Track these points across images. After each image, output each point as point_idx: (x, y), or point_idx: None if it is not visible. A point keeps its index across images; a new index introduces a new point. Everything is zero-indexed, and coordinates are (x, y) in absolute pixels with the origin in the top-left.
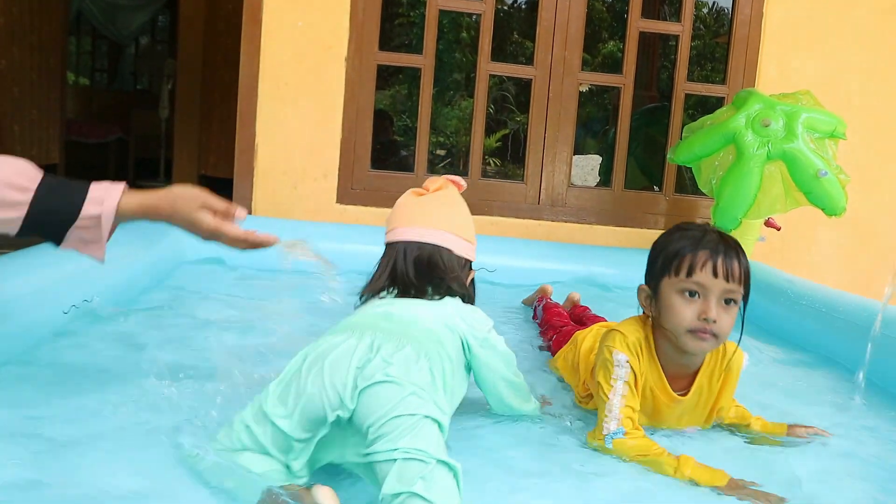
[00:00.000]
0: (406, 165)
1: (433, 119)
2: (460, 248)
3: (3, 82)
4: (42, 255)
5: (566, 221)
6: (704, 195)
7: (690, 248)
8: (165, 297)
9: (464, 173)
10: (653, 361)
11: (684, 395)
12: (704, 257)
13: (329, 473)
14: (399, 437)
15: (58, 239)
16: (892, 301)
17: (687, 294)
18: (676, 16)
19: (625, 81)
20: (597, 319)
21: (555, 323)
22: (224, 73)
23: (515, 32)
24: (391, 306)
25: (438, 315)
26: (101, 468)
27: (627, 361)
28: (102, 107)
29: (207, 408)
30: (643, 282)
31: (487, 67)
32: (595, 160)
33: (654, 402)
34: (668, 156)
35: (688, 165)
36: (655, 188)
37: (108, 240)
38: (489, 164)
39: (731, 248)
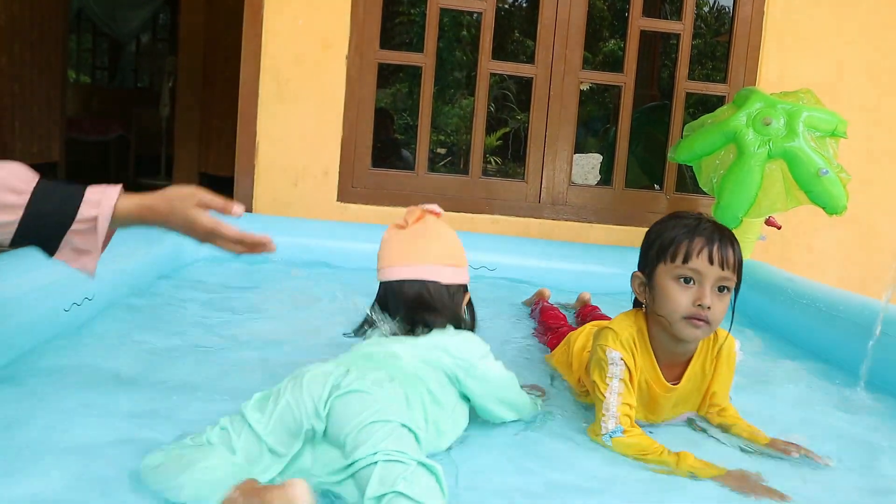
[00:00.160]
0: (407, 164)
1: (434, 117)
2: (448, 277)
3: (3, 80)
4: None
5: (567, 220)
6: (705, 194)
7: (686, 236)
8: (165, 296)
9: (464, 172)
10: (647, 354)
11: (677, 384)
12: (700, 244)
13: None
14: (378, 442)
15: (53, 245)
16: (892, 300)
17: (682, 281)
18: (677, 14)
19: (625, 80)
20: (606, 317)
21: (551, 325)
22: (225, 71)
23: (516, 31)
24: (374, 346)
25: (419, 353)
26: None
27: (622, 359)
28: (103, 104)
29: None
30: (636, 269)
31: (488, 66)
32: (596, 159)
33: (650, 393)
34: (668, 154)
35: (688, 164)
36: (656, 187)
37: (102, 249)
38: (490, 162)
39: (726, 237)
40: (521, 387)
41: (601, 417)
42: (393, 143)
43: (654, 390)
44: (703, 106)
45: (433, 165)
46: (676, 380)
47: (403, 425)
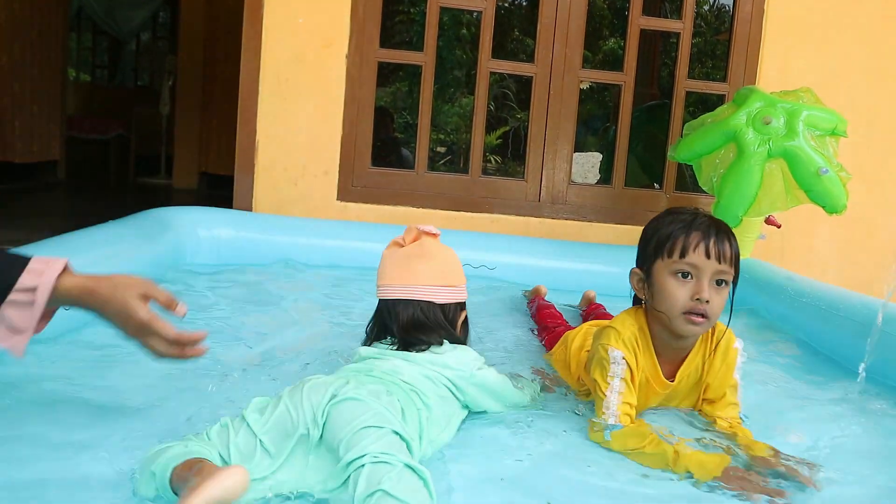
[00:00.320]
0: (407, 163)
1: (434, 116)
2: (444, 297)
3: (3, 78)
4: (43, 252)
5: (567, 219)
6: (705, 193)
7: (683, 231)
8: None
9: (464, 171)
10: (649, 352)
11: (675, 380)
12: (697, 239)
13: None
14: (368, 445)
15: None
16: (892, 298)
17: (680, 276)
18: (677, 13)
19: (625, 79)
20: (609, 317)
21: (548, 324)
22: (225, 70)
23: (516, 29)
24: (377, 362)
25: (420, 369)
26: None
27: (623, 358)
28: (103, 103)
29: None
30: (634, 266)
31: (488, 65)
32: (596, 157)
33: (648, 390)
34: (668, 153)
35: (688, 163)
36: (656, 186)
37: (38, 330)
38: (490, 161)
39: (722, 231)
40: (531, 370)
41: (601, 416)
42: (393, 142)
43: (652, 387)
44: (702, 105)
45: (433, 164)
46: (673, 376)
47: (396, 433)
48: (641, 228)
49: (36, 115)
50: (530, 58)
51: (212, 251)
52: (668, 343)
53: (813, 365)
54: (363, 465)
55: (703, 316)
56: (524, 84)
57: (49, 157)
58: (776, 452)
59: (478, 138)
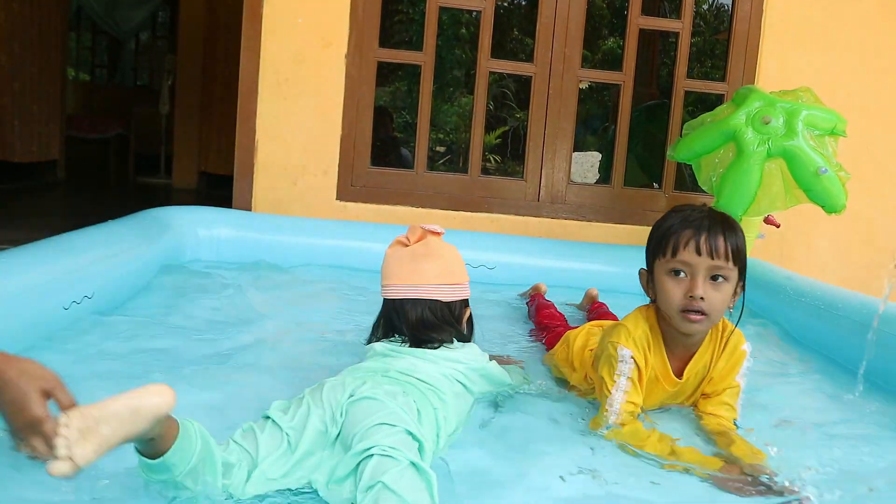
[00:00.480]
0: (406, 162)
1: (433, 116)
2: (449, 294)
3: (3, 78)
4: (43, 251)
5: (566, 218)
6: (704, 192)
7: (676, 228)
8: (164, 294)
9: (463, 170)
10: (659, 349)
11: (683, 377)
12: (688, 236)
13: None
14: (380, 439)
15: None
16: (891, 298)
17: (674, 274)
18: (676, 13)
19: (624, 78)
20: (612, 316)
21: (547, 324)
22: (224, 70)
23: (515, 29)
24: (393, 362)
25: (436, 366)
26: None
27: (632, 357)
28: (103, 103)
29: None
30: (644, 266)
31: (487, 64)
32: (595, 157)
33: (657, 387)
34: (667, 153)
35: (688, 163)
36: (655, 185)
37: None
38: (489, 160)
39: (717, 225)
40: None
41: (604, 412)
42: (392, 142)
43: (661, 384)
44: (702, 104)
45: (432, 164)
46: (682, 373)
47: (409, 432)
48: (641, 228)
49: (35, 114)
50: (529, 57)
51: (211, 250)
52: (678, 340)
53: (811, 364)
54: (371, 456)
55: (700, 313)
56: (523, 84)
57: (48, 156)
58: (751, 465)
59: (477, 138)
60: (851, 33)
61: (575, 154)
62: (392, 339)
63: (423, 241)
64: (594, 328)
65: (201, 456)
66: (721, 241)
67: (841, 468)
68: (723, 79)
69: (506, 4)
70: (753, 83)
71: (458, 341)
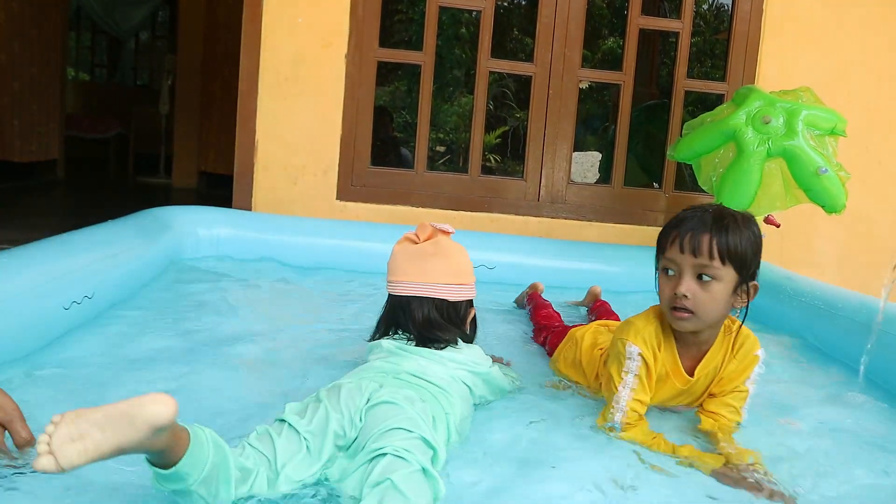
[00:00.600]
0: (406, 162)
1: (433, 115)
2: (457, 294)
3: (3, 77)
4: (43, 251)
5: (566, 218)
6: (704, 192)
7: (669, 226)
8: (164, 294)
9: (463, 170)
10: (670, 347)
11: (694, 376)
12: (674, 234)
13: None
14: (395, 441)
15: None
16: (891, 298)
17: (666, 272)
18: (676, 12)
19: (625, 78)
20: (614, 315)
21: (546, 324)
22: (224, 69)
23: (515, 29)
24: (402, 362)
25: (444, 368)
26: None
27: (640, 354)
28: (102, 102)
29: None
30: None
31: (487, 64)
32: (595, 157)
33: (668, 384)
34: (667, 153)
35: (688, 162)
36: (655, 185)
37: None
38: (489, 160)
39: (708, 224)
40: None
41: (610, 409)
42: (392, 142)
43: (671, 381)
44: (702, 104)
45: (432, 164)
46: (693, 372)
47: (425, 440)
48: (640, 228)
49: (35, 113)
50: (529, 57)
51: (211, 250)
52: (688, 339)
53: (811, 364)
54: (384, 455)
55: (686, 311)
56: (523, 83)
57: (48, 156)
58: (745, 464)
59: (477, 138)
60: (851, 34)
61: (575, 154)
62: (398, 335)
63: (433, 240)
64: (601, 328)
65: (215, 462)
66: (705, 240)
67: (841, 468)
68: (723, 79)
69: (506, 4)
70: (753, 83)
71: (462, 341)
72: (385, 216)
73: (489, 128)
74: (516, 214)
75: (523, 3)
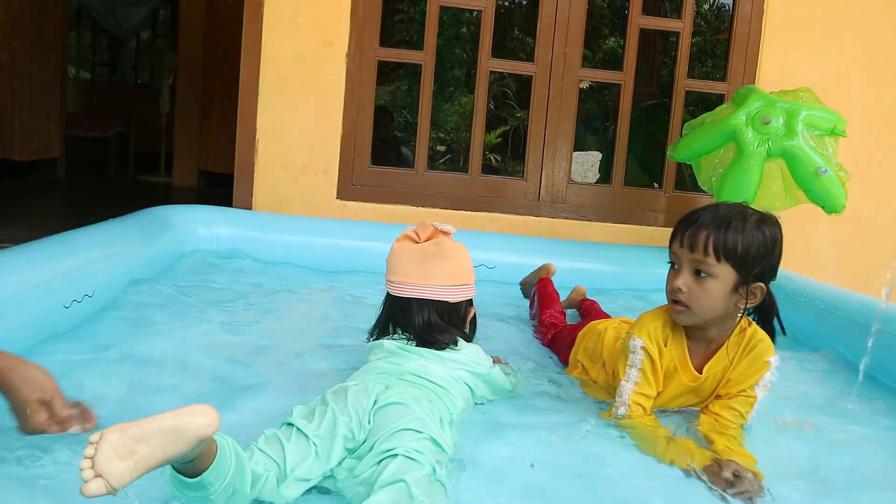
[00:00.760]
0: (406, 161)
1: (433, 115)
2: (457, 295)
3: (3, 76)
4: (43, 250)
5: (566, 218)
6: (704, 192)
7: (680, 220)
8: (164, 293)
9: (464, 169)
10: (679, 343)
11: (703, 373)
12: (679, 229)
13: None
14: (406, 442)
15: None
16: (891, 298)
17: (671, 266)
18: (677, 12)
19: (625, 78)
20: (606, 315)
21: (553, 321)
22: (225, 69)
23: (516, 28)
24: (404, 362)
25: (446, 369)
26: None
27: (643, 347)
28: (103, 101)
29: None
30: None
31: (488, 64)
32: (595, 157)
33: (676, 380)
34: (668, 153)
35: (688, 162)
36: (655, 185)
37: None
38: (489, 160)
39: (709, 220)
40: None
41: (614, 402)
42: (393, 141)
43: (680, 377)
44: (702, 104)
45: (433, 163)
46: (702, 369)
47: (434, 440)
48: (640, 228)
49: (36, 112)
50: (530, 57)
51: (211, 249)
52: (698, 336)
53: (811, 364)
54: (396, 456)
55: (681, 304)
56: (524, 83)
57: (49, 154)
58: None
59: (477, 137)
60: (852, 34)
61: (575, 154)
62: (398, 335)
63: (435, 241)
64: (623, 324)
65: (235, 471)
66: (702, 236)
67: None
68: (723, 79)
69: (506, 4)
70: (754, 83)
71: (463, 340)
72: (385, 215)
73: (490, 127)
74: (516, 214)
75: (524, 2)
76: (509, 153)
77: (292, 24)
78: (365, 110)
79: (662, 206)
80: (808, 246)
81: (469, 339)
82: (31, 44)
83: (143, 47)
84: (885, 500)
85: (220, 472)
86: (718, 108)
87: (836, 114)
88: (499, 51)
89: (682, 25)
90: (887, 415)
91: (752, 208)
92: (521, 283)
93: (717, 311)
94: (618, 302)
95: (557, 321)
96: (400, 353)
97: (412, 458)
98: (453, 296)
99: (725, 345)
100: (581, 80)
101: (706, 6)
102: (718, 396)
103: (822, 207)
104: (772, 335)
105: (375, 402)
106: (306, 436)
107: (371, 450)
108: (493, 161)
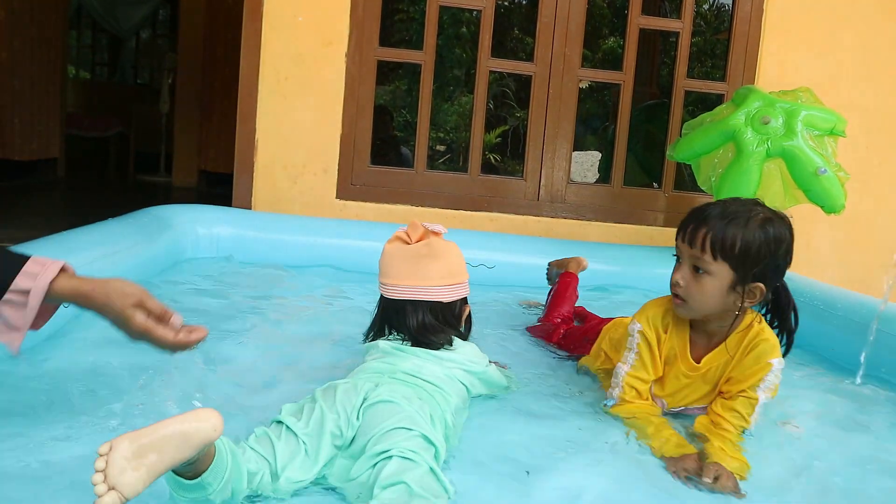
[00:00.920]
0: (406, 161)
1: (433, 115)
2: (451, 294)
3: (3, 75)
4: (43, 250)
5: (565, 218)
6: (704, 192)
7: (687, 214)
8: (163, 293)
9: (463, 169)
10: (681, 333)
11: (701, 364)
12: (684, 223)
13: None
14: (398, 442)
15: None
16: (890, 298)
17: (676, 259)
18: (677, 12)
19: (625, 78)
20: (596, 318)
21: (563, 319)
22: (224, 68)
23: (516, 28)
24: (399, 362)
25: (441, 368)
26: None
27: (640, 331)
28: (103, 101)
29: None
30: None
31: (487, 64)
32: (595, 157)
33: (676, 368)
34: (667, 153)
35: (687, 162)
36: (655, 185)
37: (42, 323)
38: (489, 159)
39: (709, 217)
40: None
41: (609, 386)
42: (392, 141)
43: (679, 366)
44: (702, 104)
45: (432, 163)
46: (700, 361)
47: (425, 437)
48: (640, 227)
49: (35, 112)
50: (530, 56)
51: (211, 249)
52: (699, 326)
53: (810, 364)
54: (391, 458)
55: (679, 297)
56: (523, 83)
57: (49, 154)
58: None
59: (477, 137)
60: (851, 34)
61: (575, 153)
62: (393, 336)
63: (426, 242)
64: None
65: (231, 470)
66: (700, 233)
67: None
68: (723, 79)
69: (506, 4)
70: (753, 83)
71: (459, 339)
72: (385, 215)
73: (489, 127)
74: (516, 214)
75: (524, 2)
76: (509, 153)
77: (292, 23)
78: (364, 110)
79: (662, 206)
80: (807, 246)
81: (465, 337)
82: (31, 43)
83: (143, 47)
84: (885, 500)
85: (218, 472)
86: (718, 108)
87: (835, 114)
88: (498, 50)
89: (682, 25)
90: (887, 415)
91: (763, 206)
92: (549, 264)
93: (713, 307)
94: (617, 301)
95: (566, 320)
96: (395, 353)
97: (408, 458)
98: (447, 295)
99: (728, 340)
100: (581, 80)
101: (706, 6)
102: (721, 394)
103: (822, 207)
104: (790, 335)
105: (365, 399)
106: (295, 434)
107: (363, 450)
108: (493, 161)
